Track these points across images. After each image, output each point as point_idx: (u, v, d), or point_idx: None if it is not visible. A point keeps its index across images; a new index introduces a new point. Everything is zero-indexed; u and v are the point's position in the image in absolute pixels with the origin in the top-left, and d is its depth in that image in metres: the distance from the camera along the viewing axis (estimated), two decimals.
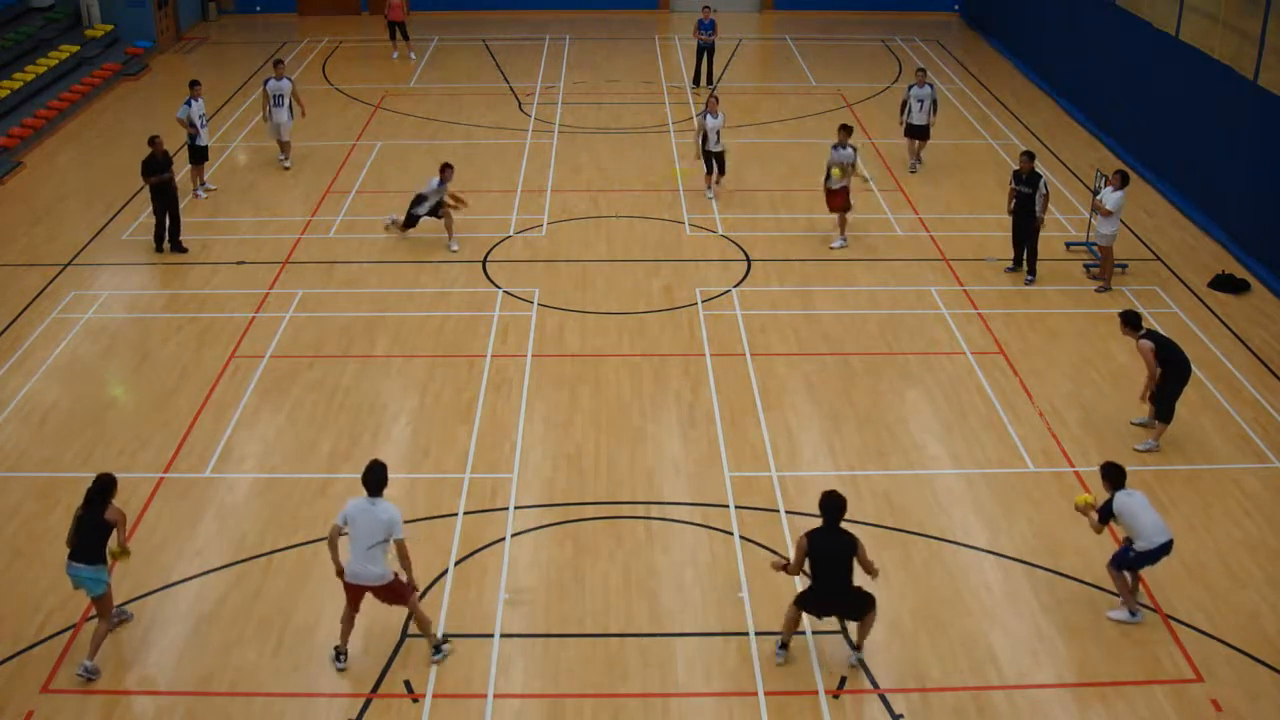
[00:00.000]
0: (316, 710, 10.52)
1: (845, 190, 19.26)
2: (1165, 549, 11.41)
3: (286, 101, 22.59)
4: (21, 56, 28.04)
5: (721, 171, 21.50)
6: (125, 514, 11.11)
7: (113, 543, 10.90)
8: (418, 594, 10.94)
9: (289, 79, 22.81)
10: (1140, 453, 14.15)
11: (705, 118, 20.80)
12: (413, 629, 11.30)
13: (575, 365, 16.11)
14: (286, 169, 23.00)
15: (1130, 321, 14.21)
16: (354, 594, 10.76)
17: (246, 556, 12.42)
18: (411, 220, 19.50)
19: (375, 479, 10.65)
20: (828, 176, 19.20)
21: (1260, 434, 14.68)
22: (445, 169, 19.28)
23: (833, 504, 10.62)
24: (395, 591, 10.76)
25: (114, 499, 10.92)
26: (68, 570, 10.85)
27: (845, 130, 19.42)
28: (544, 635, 11.36)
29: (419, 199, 19.39)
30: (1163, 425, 14.29)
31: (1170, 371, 13.98)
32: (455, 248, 19.44)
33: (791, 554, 10.85)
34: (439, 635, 11.16)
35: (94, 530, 10.79)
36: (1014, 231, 18.60)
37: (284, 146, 23.11)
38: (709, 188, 21.56)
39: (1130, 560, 11.48)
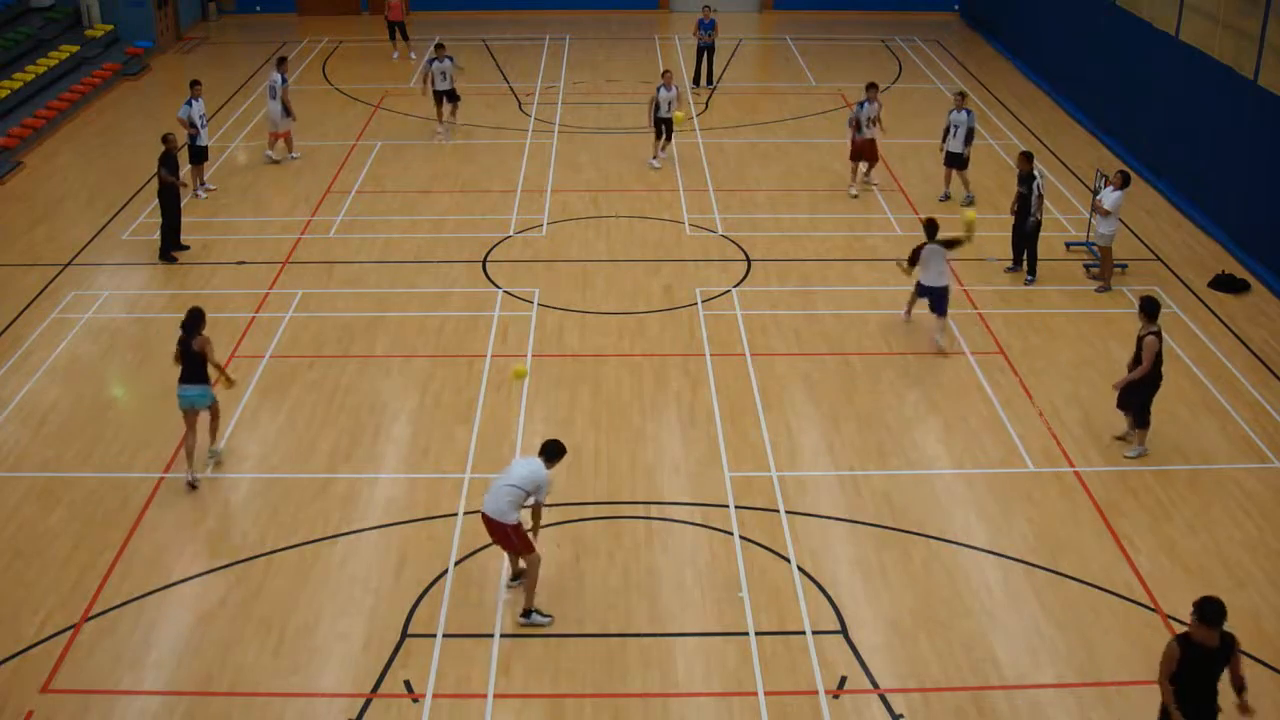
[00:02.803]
0: (316, 710, 10.52)
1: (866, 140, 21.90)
2: (941, 292, 16.40)
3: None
4: (21, 56, 28.05)
5: (668, 137, 23.27)
6: (210, 340, 13.37)
7: (213, 374, 13.41)
8: (534, 554, 11.34)
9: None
10: (1132, 459, 14.07)
11: (659, 90, 22.68)
12: (413, 629, 11.32)
13: (575, 365, 16.11)
14: (277, 163, 23.38)
15: (1150, 312, 13.74)
16: (486, 527, 11.31)
17: (246, 556, 12.42)
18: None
19: (547, 447, 11.30)
20: (860, 127, 21.61)
21: (1260, 434, 14.68)
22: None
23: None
24: (508, 537, 11.20)
25: (204, 329, 13.33)
26: (178, 394, 13.33)
27: (873, 88, 22.01)
28: (544, 635, 11.36)
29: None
30: (1143, 431, 14.12)
31: (1153, 376, 13.75)
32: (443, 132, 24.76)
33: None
34: (534, 607, 11.44)
35: (193, 357, 13.24)
36: (1014, 232, 18.62)
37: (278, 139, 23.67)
38: (655, 155, 23.25)
39: (918, 290, 16.62)
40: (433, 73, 24.39)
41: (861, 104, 21.67)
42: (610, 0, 36.86)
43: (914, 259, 16.45)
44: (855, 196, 21.73)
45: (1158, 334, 13.71)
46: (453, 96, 24.88)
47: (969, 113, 21.15)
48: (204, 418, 13.66)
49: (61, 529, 12.84)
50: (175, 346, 13.35)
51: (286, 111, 23.21)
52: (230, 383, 13.95)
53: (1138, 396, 13.92)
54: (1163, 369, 13.83)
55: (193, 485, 13.41)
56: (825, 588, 11.97)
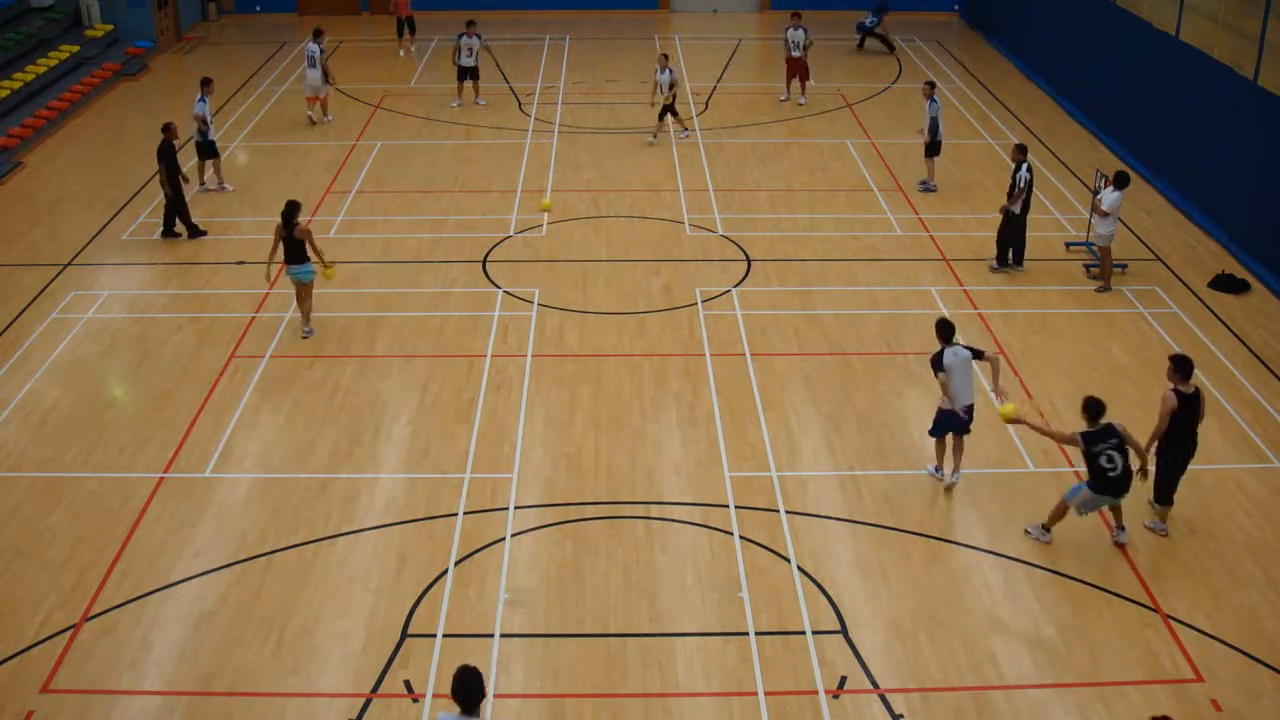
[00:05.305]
0: (316, 710, 10.52)
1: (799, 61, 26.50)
2: (967, 412, 13.14)
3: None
4: (21, 56, 28.05)
5: (669, 114, 24.83)
6: (309, 229, 16.17)
7: (317, 264, 16.26)
8: None
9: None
10: (1149, 528, 13.01)
11: (656, 72, 24.65)
12: (413, 629, 11.33)
13: (575, 365, 16.11)
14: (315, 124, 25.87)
15: (1179, 367, 12.42)
16: None
17: (246, 556, 12.42)
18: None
19: (467, 694, 8.20)
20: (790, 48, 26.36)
21: (1260, 434, 14.68)
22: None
23: None
24: None
25: (299, 219, 16.15)
26: (287, 273, 16.30)
27: (797, 15, 27.08)
28: (544, 635, 11.36)
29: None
30: (1163, 508, 12.85)
31: (1174, 442, 12.49)
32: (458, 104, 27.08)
33: None
34: None
35: (295, 243, 16.06)
36: (999, 228, 18.73)
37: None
38: (653, 135, 24.86)
39: (942, 423, 13.30)
40: (460, 46, 26.47)
41: (787, 29, 26.41)
42: (610, 0, 36.86)
43: (938, 365, 13.19)
44: (784, 100, 27.13)
45: (1176, 392, 12.32)
46: (475, 74, 26.86)
47: (928, 101, 21.66)
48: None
49: (61, 529, 12.84)
50: (274, 235, 16.13)
51: (326, 78, 25.59)
52: (329, 266, 16.46)
53: (1162, 464, 12.67)
54: (1188, 437, 12.51)
55: (305, 336, 16.74)
56: (825, 588, 11.97)
